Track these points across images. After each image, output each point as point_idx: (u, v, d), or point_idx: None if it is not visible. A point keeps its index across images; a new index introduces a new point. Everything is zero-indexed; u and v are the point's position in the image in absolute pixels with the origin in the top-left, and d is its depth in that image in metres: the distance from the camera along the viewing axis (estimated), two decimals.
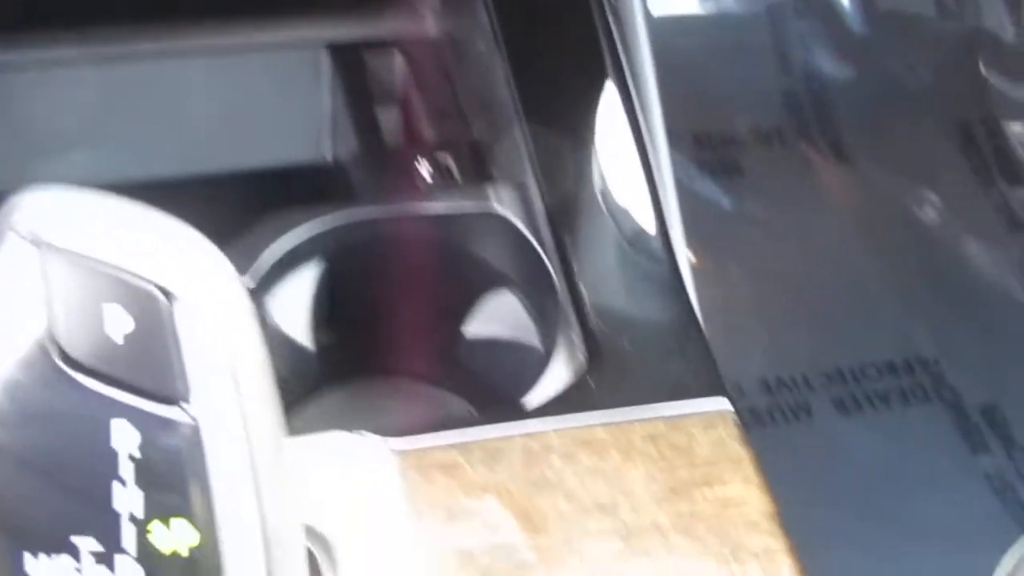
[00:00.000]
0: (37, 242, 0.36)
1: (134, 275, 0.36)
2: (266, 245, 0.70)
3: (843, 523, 1.29)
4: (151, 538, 0.35)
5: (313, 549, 0.53)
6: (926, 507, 1.32)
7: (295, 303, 0.73)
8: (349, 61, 0.84)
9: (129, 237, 0.37)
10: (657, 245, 0.70)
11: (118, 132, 0.82)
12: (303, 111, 0.83)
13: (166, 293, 0.36)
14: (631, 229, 0.70)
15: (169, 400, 0.36)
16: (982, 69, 1.63)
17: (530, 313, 0.71)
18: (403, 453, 0.58)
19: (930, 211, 1.62)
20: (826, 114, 1.63)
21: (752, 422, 1.41)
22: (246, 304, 0.38)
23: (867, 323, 1.51)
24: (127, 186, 0.43)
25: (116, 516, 0.35)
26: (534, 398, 0.64)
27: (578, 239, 0.68)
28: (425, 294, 0.73)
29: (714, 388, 0.63)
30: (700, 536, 0.57)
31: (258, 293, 0.71)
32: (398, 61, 0.85)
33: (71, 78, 0.79)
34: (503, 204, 0.71)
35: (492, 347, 0.73)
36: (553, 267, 0.69)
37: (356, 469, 0.57)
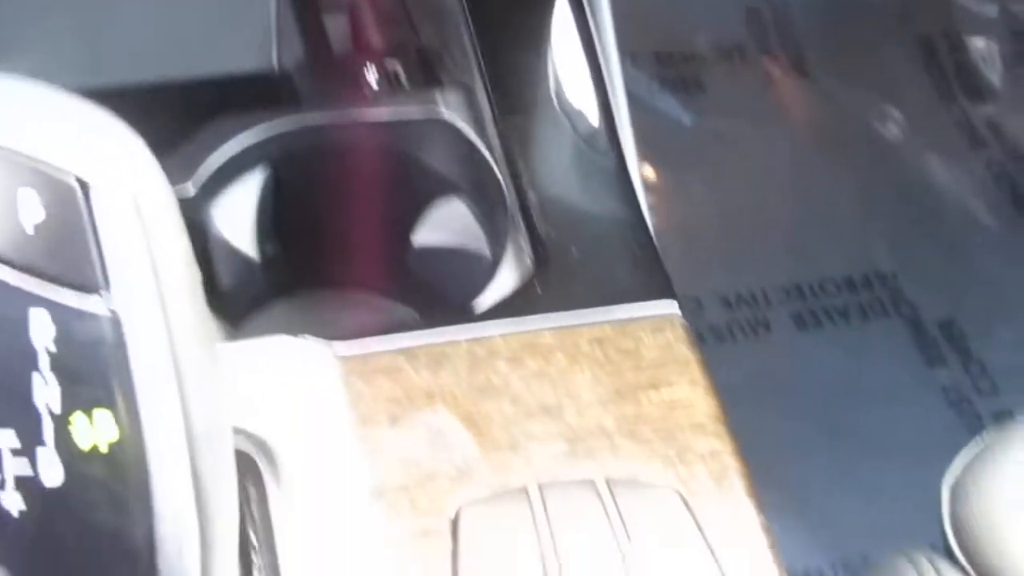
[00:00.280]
0: None
1: (49, 164, 0.35)
2: (209, 152, 0.69)
3: (802, 437, 1.30)
4: (72, 433, 0.35)
5: (253, 455, 0.53)
6: (883, 420, 1.33)
7: (240, 212, 0.71)
8: None
9: (45, 126, 0.36)
10: (606, 151, 0.69)
11: (59, 40, 0.80)
12: (248, 18, 0.81)
13: (82, 183, 0.35)
14: (580, 135, 0.69)
15: (88, 291, 0.35)
16: None
17: (478, 220, 0.70)
18: (346, 358, 0.57)
19: (891, 127, 1.62)
20: (787, 29, 1.62)
21: (711, 338, 1.42)
22: (167, 195, 0.37)
23: (826, 239, 1.51)
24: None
25: (36, 410, 0.34)
26: (482, 305, 0.64)
27: (526, 145, 0.67)
28: (372, 202, 0.72)
29: (662, 292, 0.62)
30: (646, 438, 0.56)
31: (202, 202, 0.69)
32: None
33: None
34: (451, 110, 0.70)
35: (440, 255, 0.72)
36: (501, 173, 0.68)
37: (298, 374, 0.56)
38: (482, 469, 0.54)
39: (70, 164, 0.35)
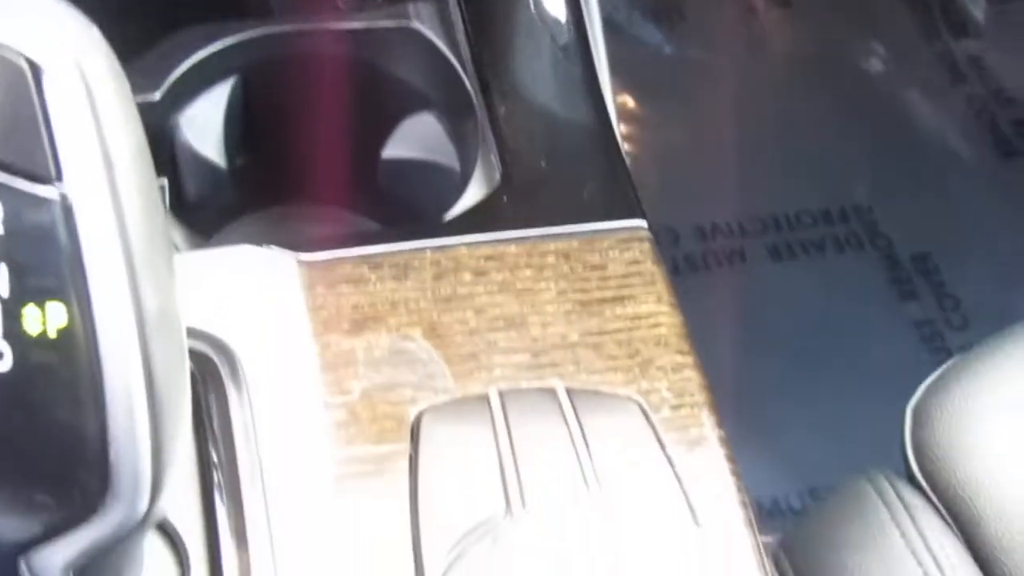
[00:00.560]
0: None
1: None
2: (176, 59, 0.68)
3: (771, 368, 1.31)
4: (22, 320, 0.34)
5: (214, 358, 0.53)
6: (854, 353, 1.34)
7: (207, 122, 0.71)
8: None
9: None
10: (579, 66, 0.68)
11: None
12: None
13: (33, 66, 0.34)
14: (552, 48, 0.68)
15: (39, 177, 0.34)
16: None
17: (448, 134, 0.70)
18: (310, 266, 0.57)
19: (872, 60, 1.61)
20: None
21: (686, 267, 1.42)
22: (121, 82, 0.36)
23: (804, 171, 1.50)
24: None
25: None
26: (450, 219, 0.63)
27: (497, 57, 0.67)
28: (342, 115, 0.71)
29: (631, 209, 0.62)
30: (610, 352, 0.56)
31: (168, 109, 0.69)
32: None
33: None
34: (422, 21, 0.69)
35: (410, 169, 0.71)
36: (472, 86, 0.67)
37: (261, 281, 0.56)
38: (444, 377, 0.54)
39: (20, 46, 0.34)
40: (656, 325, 0.58)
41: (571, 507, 0.45)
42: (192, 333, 0.53)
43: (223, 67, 0.69)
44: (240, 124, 0.72)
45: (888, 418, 0.76)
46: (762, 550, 0.52)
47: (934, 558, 0.65)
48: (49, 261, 0.35)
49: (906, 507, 0.67)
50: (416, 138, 0.71)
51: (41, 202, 0.34)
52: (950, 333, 1.40)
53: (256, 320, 0.54)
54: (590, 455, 0.51)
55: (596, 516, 0.45)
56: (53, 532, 0.38)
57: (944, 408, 0.69)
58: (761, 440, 1.21)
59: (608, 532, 0.44)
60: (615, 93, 0.73)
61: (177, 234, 0.66)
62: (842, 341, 1.35)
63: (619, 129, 0.70)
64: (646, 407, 0.54)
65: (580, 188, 0.63)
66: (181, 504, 0.50)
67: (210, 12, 0.71)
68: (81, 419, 0.36)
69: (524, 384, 0.55)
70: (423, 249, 0.58)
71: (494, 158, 0.65)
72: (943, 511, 0.68)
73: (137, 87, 0.38)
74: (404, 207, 0.73)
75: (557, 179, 0.63)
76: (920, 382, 0.74)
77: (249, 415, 0.51)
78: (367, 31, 0.69)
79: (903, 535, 0.66)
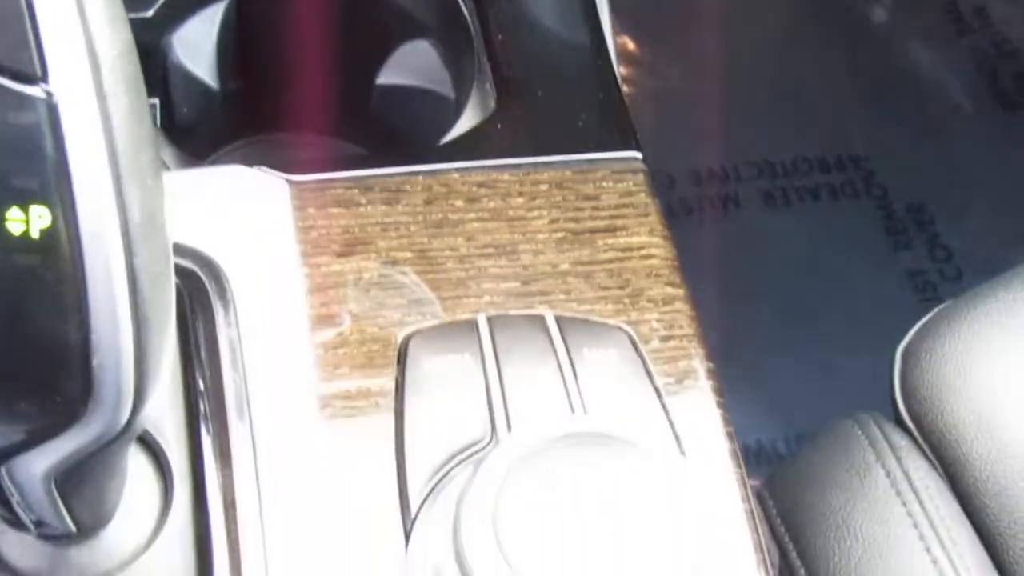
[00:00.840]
0: None
1: None
2: None
3: (762, 313, 1.31)
4: (5, 222, 0.34)
5: (202, 275, 0.52)
6: (845, 301, 1.33)
7: (201, 42, 0.70)
8: None
9: None
10: None
11: None
12: None
13: None
14: None
15: (23, 75, 0.33)
16: None
17: (445, 62, 0.69)
18: (301, 187, 0.56)
19: (876, 8, 1.59)
20: None
21: (680, 211, 1.41)
22: None
23: (802, 118, 1.49)
24: None
25: None
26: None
27: None
28: (337, 40, 0.71)
29: (626, 141, 0.61)
30: (600, 282, 0.56)
31: (162, 27, 0.68)
32: None
33: None
34: None
35: (405, 96, 0.71)
36: (469, 13, 0.66)
37: (251, 200, 0.55)
38: (433, 303, 0.54)
39: None
40: (648, 257, 0.57)
41: (557, 432, 0.45)
42: (180, 250, 0.53)
43: None
44: (233, 46, 0.71)
45: (877, 365, 0.76)
46: (746, 482, 0.52)
47: (918, 498, 0.65)
48: (33, 162, 0.34)
49: (892, 448, 0.68)
50: (411, 65, 0.70)
51: (25, 101, 0.34)
52: (943, 284, 1.39)
53: (244, 239, 0.54)
54: (577, 383, 0.51)
55: (581, 441, 0.45)
56: (34, 440, 0.38)
57: (934, 351, 0.69)
58: (749, 385, 1.21)
59: (593, 458, 0.44)
60: (614, 35, 0.72)
61: (168, 154, 0.65)
62: (834, 289, 1.35)
63: (618, 69, 0.70)
64: (635, 337, 0.54)
65: (575, 118, 0.62)
66: (166, 423, 0.49)
67: None
68: (64, 325, 0.36)
69: (513, 311, 0.54)
70: (415, 174, 0.58)
71: (489, 87, 0.64)
72: (929, 453, 0.68)
73: (129, 3, 0.37)
74: (398, 135, 0.72)
75: (552, 108, 0.62)
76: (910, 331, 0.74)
77: (236, 332, 0.51)
78: None
79: (888, 475, 0.66)
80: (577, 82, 0.64)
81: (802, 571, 0.66)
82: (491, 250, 0.56)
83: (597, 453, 0.45)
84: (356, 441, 0.50)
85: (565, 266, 0.56)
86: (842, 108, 1.50)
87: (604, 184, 0.59)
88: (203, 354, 0.50)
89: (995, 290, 0.71)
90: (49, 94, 0.34)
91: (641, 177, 0.60)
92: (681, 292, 0.56)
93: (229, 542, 0.46)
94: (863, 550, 0.64)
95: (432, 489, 0.48)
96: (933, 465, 0.68)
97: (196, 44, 0.70)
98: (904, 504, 0.65)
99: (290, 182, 0.56)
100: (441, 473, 0.48)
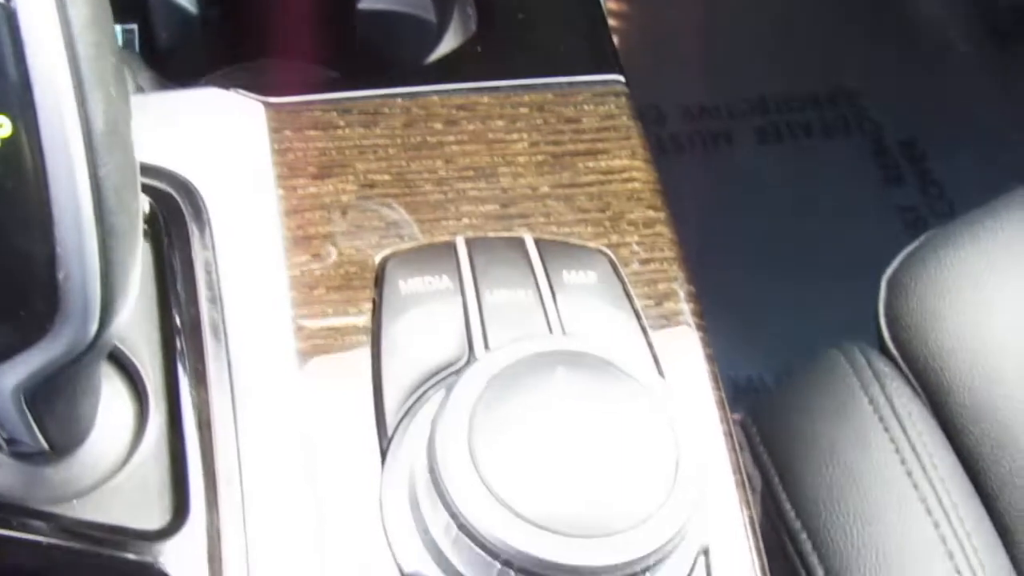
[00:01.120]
0: None
1: None
2: None
3: (752, 249, 1.30)
4: None
5: (177, 196, 0.52)
6: (836, 237, 1.33)
7: None
8: None
9: None
10: None
11: None
12: None
13: None
14: None
15: None
16: None
17: None
18: (278, 109, 0.55)
19: None
20: None
21: (671, 147, 1.40)
22: None
23: (795, 54, 1.48)
24: None
25: None
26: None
27: None
28: None
29: (608, 64, 0.61)
30: (580, 205, 0.55)
31: None
32: None
33: None
34: None
35: (385, 20, 0.70)
36: None
37: (227, 122, 0.55)
38: (411, 225, 0.53)
39: None
40: (629, 180, 0.57)
41: (533, 350, 0.45)
42: (155, 172, 0.52)
43: None
44: None
45: (867, 300, 0.76)
46: (726, 404, 0.51)
47: (901, 425, 0.65)
48: None
49: (876, 375, 0.67)
50: None
51: None
52: (934, 220, 1.39)
53: (220, 161, 0.53)
54: (556, 305, 0.51)
55: (558, 360, 0.44)
56: (2, 354, 0.38)
57: (919, 279, 0.69)
58: (738, 320, 1.21)
59: (570, 377, 0.44)
60: None
61: (147, 79, 0.64)
62: (824, 225, 1.34)
63: (607, 3, 0.69)
64: (615, 261, 0.54)
65: (557, 41, 0.62)
66: (141, 344, 0.49)
67: None
68: (28, 237, 0.35)
69: (492, 234, 0.54)
70: (394, 96, 0.57)
71: (471, 10, 0.63)
72: (913, 380, 0.68)
73: None
74: (380, 60, 0.71)
75: (534, 31, 0.62)
76: None
77: (211, 255, 0.50)
78: None
79: (871, 402, 0.66)
80: (559, 4, 0.63)
81: (783, 496, 0.66)
82: (470, 173, 0.55)
83: (574, 372, 0.44)
84: (332, 362, 0.49)
85: (545, 189, 0.56)
86: (835, 43, 1.49)
87: (586, 107, 0.59)
88: (178, 276, 0.50)
89: (981, 218, 0.70)
90: (6, 2, 0.33)
91: (623, 100, 0.59)
92: (662, 216, 0.56)
93: (204, 462, 0.46)
94: (845, 476, 0.64)
95: (409, 409, 0.48)
96: (916, 392, 0.68)
97: None
98: (887, 430, 0.65)
99: (266, 104, 0.56)
100: (418, 393, 0.48)
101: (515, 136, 0.57)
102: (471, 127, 0.57)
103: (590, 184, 0.56)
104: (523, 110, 0.58)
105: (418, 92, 0.57)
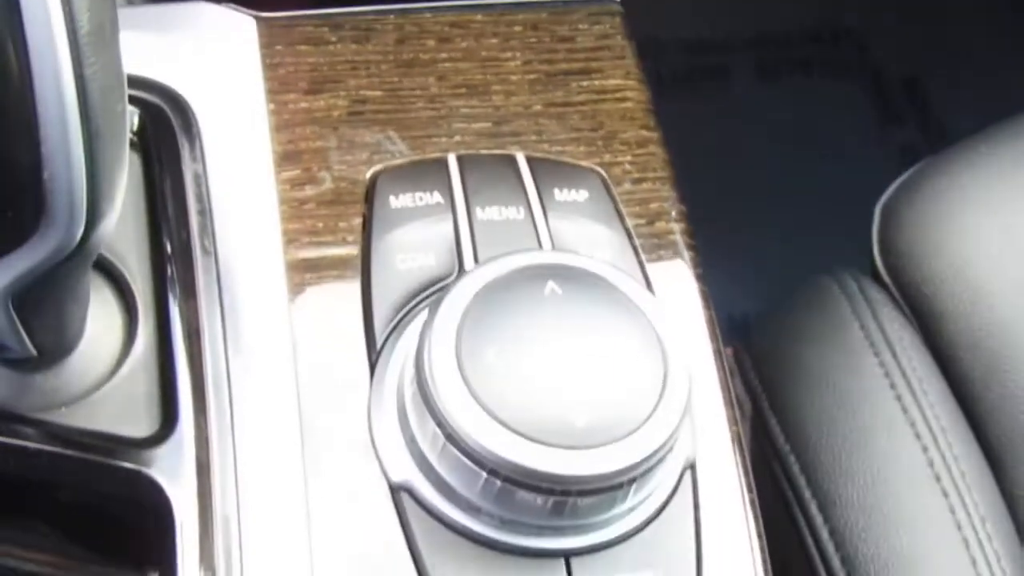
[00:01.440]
0: None
1: None
2: None
3: (748, 186, 1.30)
4: None
5: (167, 108, 0.51)
6: (834, 174, 1.32)
7: None
8: None
9: None
10: None
11: None
12: None
13: None
14: None
15: None
16: None
17: None
18: (269, 24, 0.55)
19: None
20: None
21: (670, 81, 1.39)
22: None
23: None
24: None
25: None
26: None
27: None
28: None
29: None
30: (573, 124, 0.55)
31: None
32: None
33: None
34: None
35: None
36: None
37: (217, 36, 0.54)
38: (402, 141, 0.53)
39: None
40: (623, 99, 0.56)
41: (522, 263, 0.45)
42: (145, 84, 0.52)
43: None
44: None
45: (864, 238, 0.75)
46: (715, 322, 0.52)
47: (892, 351, 0.65)
48: None
49: (868, 302, 0.67)
50: None
51: None
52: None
53: (210, 75, 0.53)
54: (547, 222, 0.51)
55: (547, 273, 0.44)
56: None
57: (913, 206, 0.69)
58: (734, 254, 1.20)
59: (559, 289, 0.44)
60: None
61: None
62: (823, 162, 1.33)
63: None
64: (607, 179, 0.53)
65: None
66: (130, 255, 0.49)
67: None
68: (13, 137, 0.35)
69: (484, 152, 0.54)
70: (386, 13, 0.56)
71: None
72: (905, 307, 0.68)
73: None
74: None
75: None
76: None
77: (201, 167, 0.50)
78: None
79: (862, 327, 0.66)
80: None
81: (773, 420, 0.66)
82: (463, 90, 0.55)
83: (563, 285, 0.44)
84: (322, 276, 0.49)
85: (538, 107, 0.55)
86: None
87: (580, 26, 0.58)
88: (168, 189, 0.50)
89: (976, 145, 0.70)
90: None
91: (618, 20, 0.59)
92: (655, 135, 0.56)
93: (192, 372, 0.46)
94: (835, 401, 0.64)
95: (398, 324, 0.48)
96: (908, 319, 0.68)
97: None
98: (877, 356, 0.65)
99: (257, 19, 0.55)
100: (407, 308, 0.48)
101: (508, 54, 0.57)
102: (464, 44, 0.56)
103: (583, 103, 0.56)
104: (517, 28, 0.57)
105: (411, 8, 0.57)
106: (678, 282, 0.52)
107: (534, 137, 0.55)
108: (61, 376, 0.46)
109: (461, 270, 0.49)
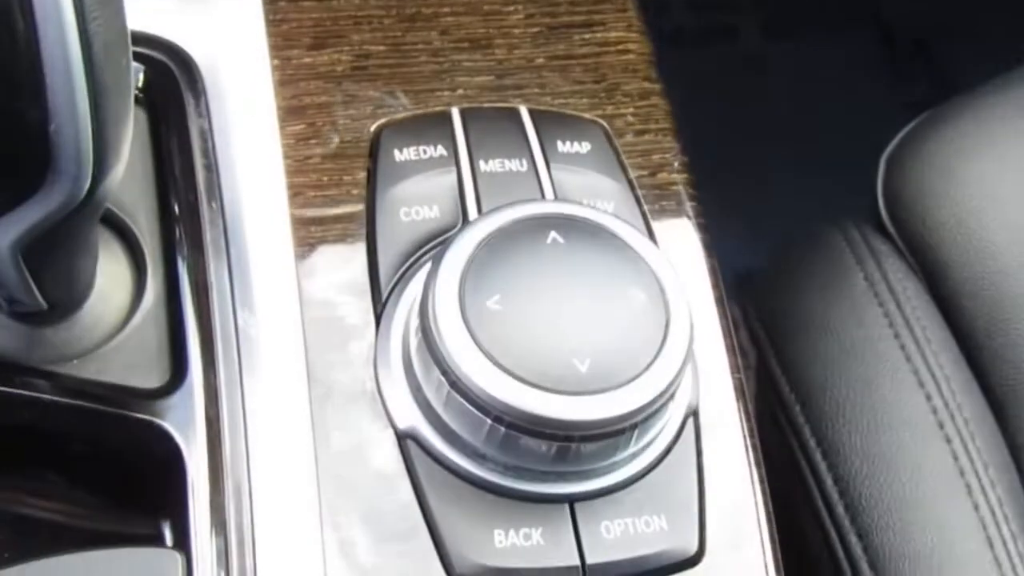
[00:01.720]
0: None
1: None
2: None
3: (755, 143, 1.29)
4: None
5: (172, 65, 0.52)
6: (843, 132, 1.31)
7: None
8: None
9: None
10: None
11: None
12: None
13: None
14: None
15: None
16: None
17: None
18: None
19: None
20: None
21: (677, 41, 1.39)
22: None
23: None
24: None
25: None
26: None
27: None
28: None
29: None
30: (576, 76, 0.55)
31: None
32: None
33: None
34: None
35: None
36: None
37: None
38: (406, 96, 0.54)
39: None
40: (625, 52, 0.57)
41: (525, 212, 0.45)
42: (149, 40, 0.53)
43: None
44: None
45: (870, 192, 0.75)
46: (718, 272, 0.52)
47: (896, 299, 0.66)
48: None
49: (872, 251, 0.68)
50: None
51: None
52: None
53: (214, 31, 0.53)
54: (550, 174, 0.51)
55: (550, 223, 0.45)
56: None
57: (917, 155, 0.69)
58: (741, 212, 1.21)
59: (562, 239, 0.44)
60: None
61: None
62: (832, 121, 1.33)
63: None
64: (610, 131, 0.54)
65: None
66: (139, 210, 0.50)
67: None
68: (19, 90, 0.35)
69: (487, 105, 0.54)
70: None
71: None
72: (909, 257, 0.68)
73: None
74: None
75: None
76: None
77: (207, 123, 0.51)
78: None
79: (867, 278, 0.66)
80: None
81: (778, 369, 0.67)
82: (466, 44, 0.55)
83: (566, 234, 0.45)
84: (327, 229, 0.50)
85: (540, 60, 0.56)
86: None
87: None
88: (174, 145, 0.50)
89: (982, 96, 0.70)
90: None
91: None
92: (657, 87, 0.56)
93: (200, 324, 0.47)
94: (839, 348, 0.65)
95: (403, 275, 0.49)
96: (912, 268, 0.68)
97: None
98: (881, 304, 0.65)
99: None
100: (412, 260, 0.49)
101: (511, 8, 0.57)
102: None
103: (585, 56, 0.56)
104: None
105: None
106: (680, 231, 0.52)
107: (537, 90, 0.55)
108: (72, 329, 0.46)
109: (465, 222, 0.50)
